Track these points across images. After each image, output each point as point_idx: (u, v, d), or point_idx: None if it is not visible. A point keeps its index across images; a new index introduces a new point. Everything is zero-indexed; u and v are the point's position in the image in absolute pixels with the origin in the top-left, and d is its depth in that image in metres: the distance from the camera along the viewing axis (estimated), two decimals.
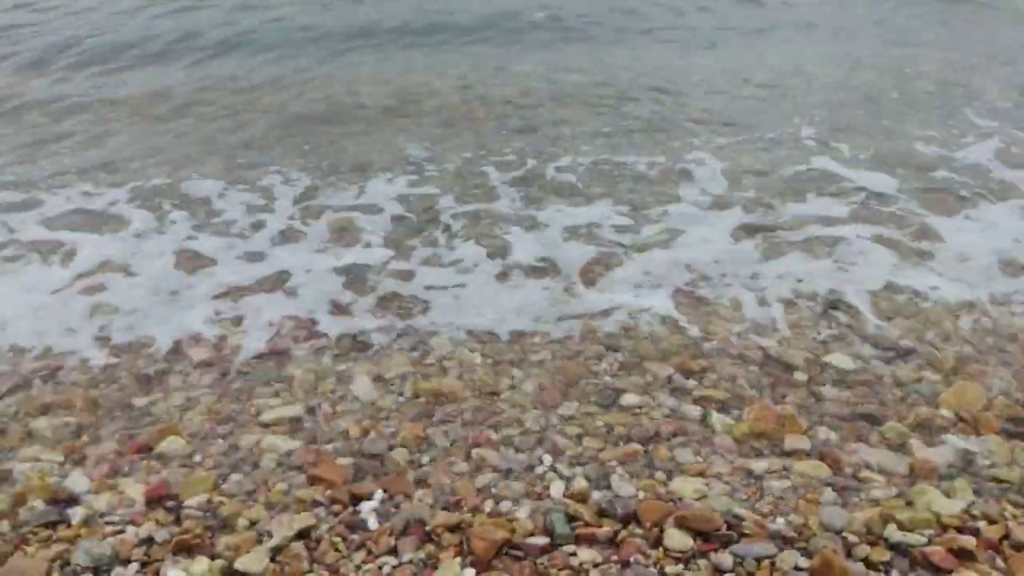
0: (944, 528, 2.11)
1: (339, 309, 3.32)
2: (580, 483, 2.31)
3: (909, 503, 2.21)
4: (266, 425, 2.65)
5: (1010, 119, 5.33)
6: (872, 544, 2.08)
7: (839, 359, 2.91)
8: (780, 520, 2.16)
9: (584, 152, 4.84)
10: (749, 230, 3.91)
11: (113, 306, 3.34)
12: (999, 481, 2.30)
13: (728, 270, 3.55)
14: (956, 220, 3.98)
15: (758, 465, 2.38)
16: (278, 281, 3.54)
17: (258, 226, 4.03)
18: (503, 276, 3.55)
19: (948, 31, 7.60)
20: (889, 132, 5.15)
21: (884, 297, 3.32)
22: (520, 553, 2.08)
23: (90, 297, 3.40)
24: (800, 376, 2.84)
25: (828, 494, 2.26)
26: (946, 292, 3.35)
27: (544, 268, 3.60)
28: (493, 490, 2.32)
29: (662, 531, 2.13)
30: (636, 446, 2.47)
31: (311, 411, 2.72)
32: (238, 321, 3.25)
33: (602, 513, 2.20)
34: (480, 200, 4.25)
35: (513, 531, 2.14)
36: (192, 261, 3.72)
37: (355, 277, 3.55)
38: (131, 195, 4.36)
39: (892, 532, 2.09)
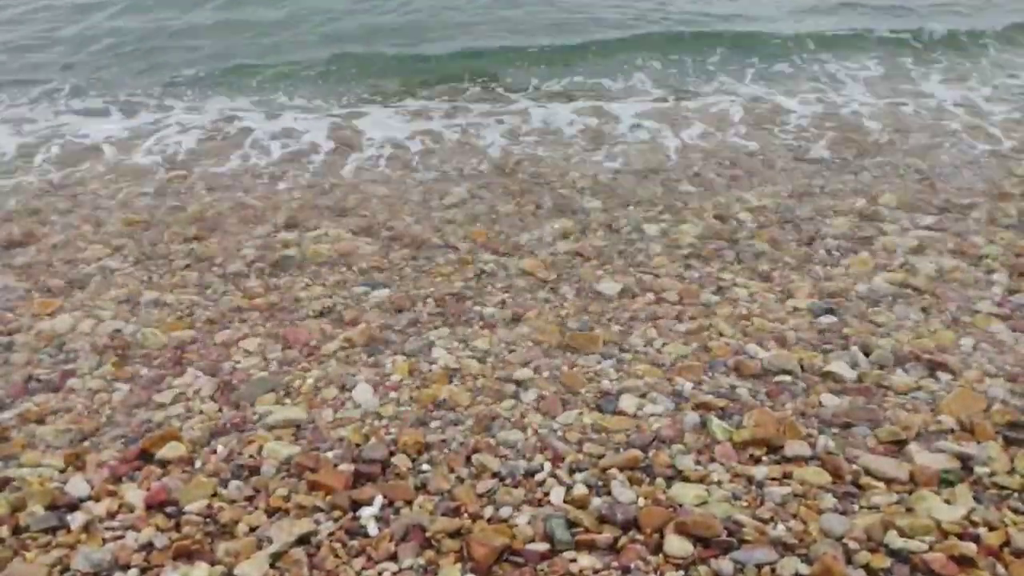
0: (945, 535, 2.11)
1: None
2: (580, 489, 2.31)
3: (909, 509, 2.21)
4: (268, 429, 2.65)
5: None
6: (872, 551, 2.07)
7: (839, 366, 2.91)
8: (781, 526, 2.16)
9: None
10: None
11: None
12: (1000, 487, 2.30)
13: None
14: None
15: (758, 471, 2.38)
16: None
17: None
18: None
19: None
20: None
21: None
22: (520, 559, 2.08)
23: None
24: (798, 381, 2.86)
25: (828, 500, 2.25)
26: None
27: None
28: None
29: (662, 537, 2.13)
30: (636, 452, 2.47)
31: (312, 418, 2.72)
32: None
33: (602, 519, 2.20)
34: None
35: (513, 537, 2.14)
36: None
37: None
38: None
39: (893, 538, 2.09)
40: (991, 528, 2.13)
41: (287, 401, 2.83)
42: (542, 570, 2.06)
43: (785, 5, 9.39)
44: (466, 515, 2.24)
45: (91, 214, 4.59)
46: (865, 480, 2.34)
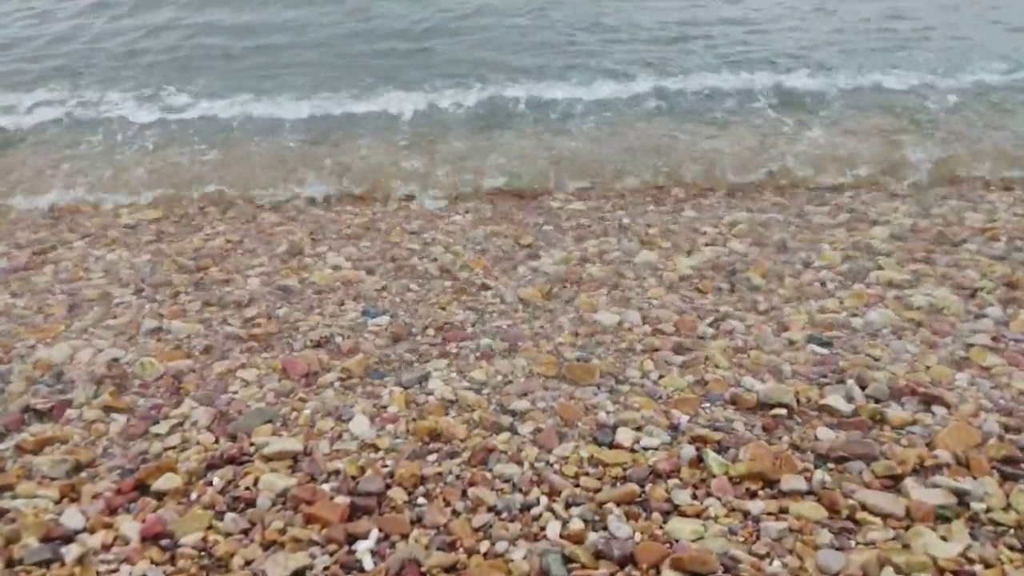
0: (941, 572, 2.10)
1: None
2: (576, 524, 2.30)
3: (906, 546, 2.20)
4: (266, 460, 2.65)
5: None
6: None
7: (835, 400, 2.92)
8: (777, 562, 2.15)
9: None
10: None
11: None
12: (995, 524, 2.30)
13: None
14: None
15: (754, 506, 2.38)
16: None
17: None
18: None
19: None
20: None
21: None
22: None
23: None
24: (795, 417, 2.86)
25: (825, 536, 2.25)
26: None
27: None
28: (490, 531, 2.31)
29: (659, 573, 2.12)
30: (633, 486, 2.47)
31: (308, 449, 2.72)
32: None
33: (599, 555, 2.19)
34: None
35: (509, 572, 2.13)
36: None
37: None
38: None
39: (889, 575, 2.08)
40: (987, 565, 2.12)
41: (284, 432, 2.83)
42: None
43: None
44: (462, 549, 2.23)
45: None
46: (861, 515, 2.34)
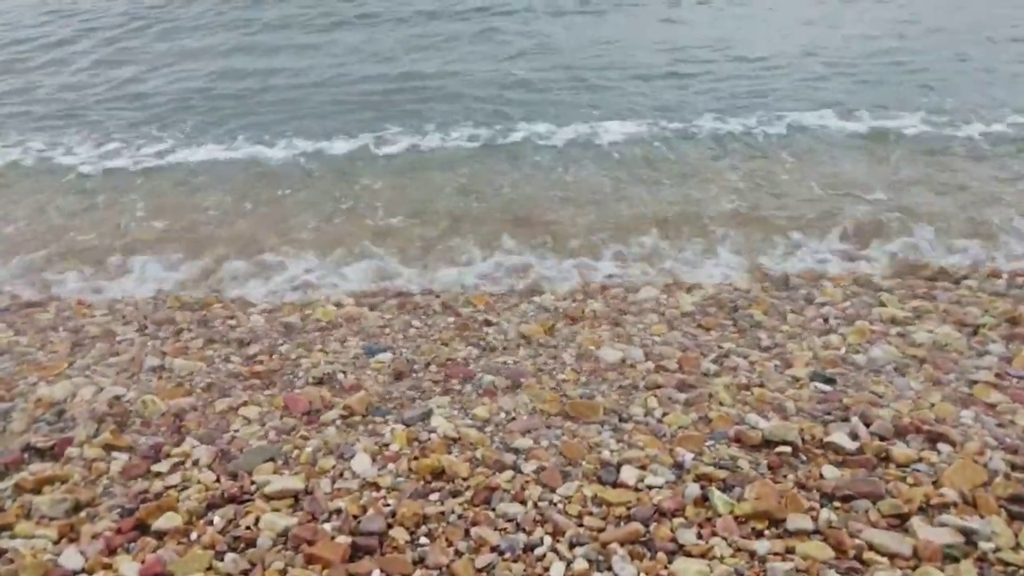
0: None
1: None
2: (580, 564, 2.27)
3: None
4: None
5: None
6: None
7: (839, 437, 2.90)
8: None
9: None
10: None
11: None
12: (1005, 564, 2.27)
13: None
14: None
15: (760, 546, 2.35)
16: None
17: None
18: None
19: None
20: None
21: None
22: None
23: None
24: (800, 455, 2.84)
25: None
26: None
27: None
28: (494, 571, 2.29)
29: None
30: (637, 526, 2.44)
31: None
32: None
33: None
34: None
35: None
36: None
37: None
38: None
39: None
40: None
41: (285, 471, 2.81)
42: None
43: None
44: None
45: None
46: (869, 555, 2.31)
